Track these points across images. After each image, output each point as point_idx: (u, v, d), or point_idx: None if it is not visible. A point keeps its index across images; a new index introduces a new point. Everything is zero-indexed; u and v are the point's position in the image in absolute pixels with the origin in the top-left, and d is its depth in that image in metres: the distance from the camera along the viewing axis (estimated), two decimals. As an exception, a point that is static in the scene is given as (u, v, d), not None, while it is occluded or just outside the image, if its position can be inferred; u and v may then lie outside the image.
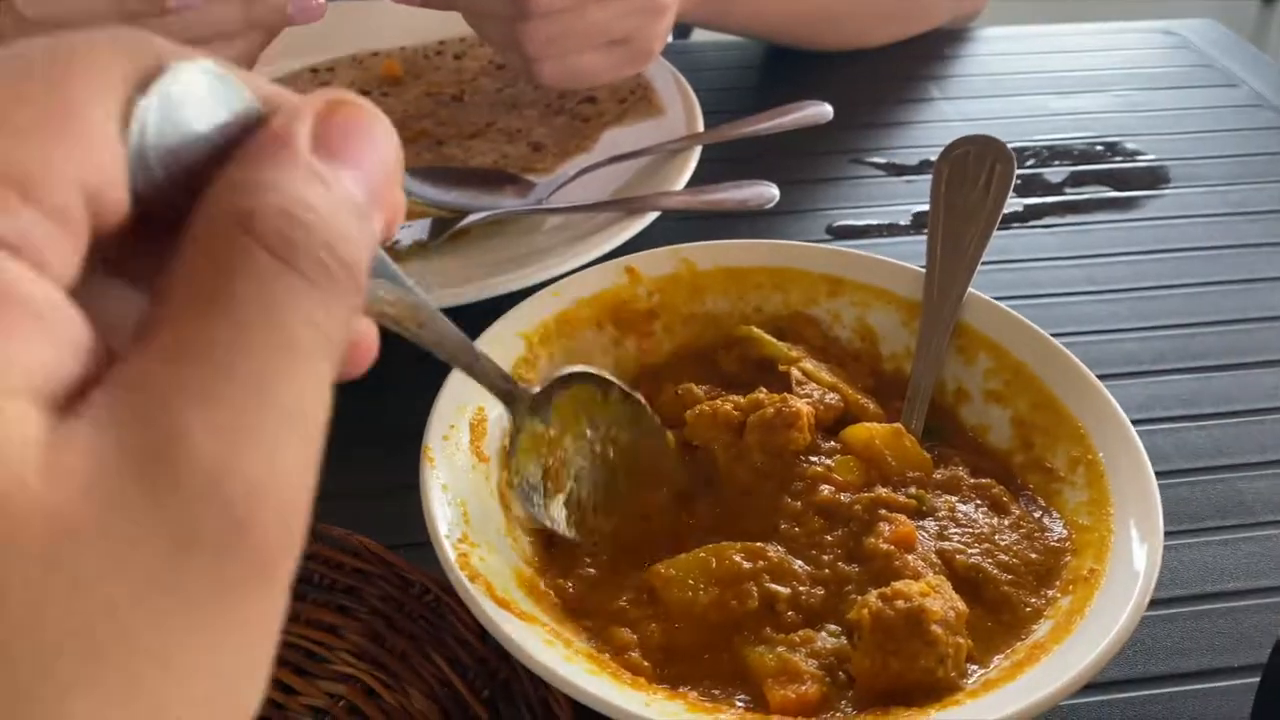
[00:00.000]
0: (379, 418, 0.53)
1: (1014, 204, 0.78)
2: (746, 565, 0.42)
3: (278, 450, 0.18)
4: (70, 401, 0.17)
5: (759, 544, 0.44)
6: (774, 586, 0.42)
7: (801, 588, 0.42)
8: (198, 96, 0.20)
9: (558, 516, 0.44)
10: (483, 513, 0.44)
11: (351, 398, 0.60)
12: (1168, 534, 0.51)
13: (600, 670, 0.38)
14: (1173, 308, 0.69)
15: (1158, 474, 0.50)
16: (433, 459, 0.43)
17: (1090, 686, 0.45)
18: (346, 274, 0.20)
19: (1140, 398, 0.61)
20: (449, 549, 0.40)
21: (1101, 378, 0.50)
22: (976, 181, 0.56)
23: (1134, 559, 0.41)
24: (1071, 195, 0.79)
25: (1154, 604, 0.48)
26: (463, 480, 0.44)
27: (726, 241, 0.57)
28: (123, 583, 0.17)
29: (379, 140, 0.21)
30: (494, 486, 0.46)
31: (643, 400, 0.46)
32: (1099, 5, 1.16)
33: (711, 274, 0.56)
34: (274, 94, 0.21)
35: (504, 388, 0.39)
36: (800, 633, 0.41)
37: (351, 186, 0.20)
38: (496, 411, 0.49)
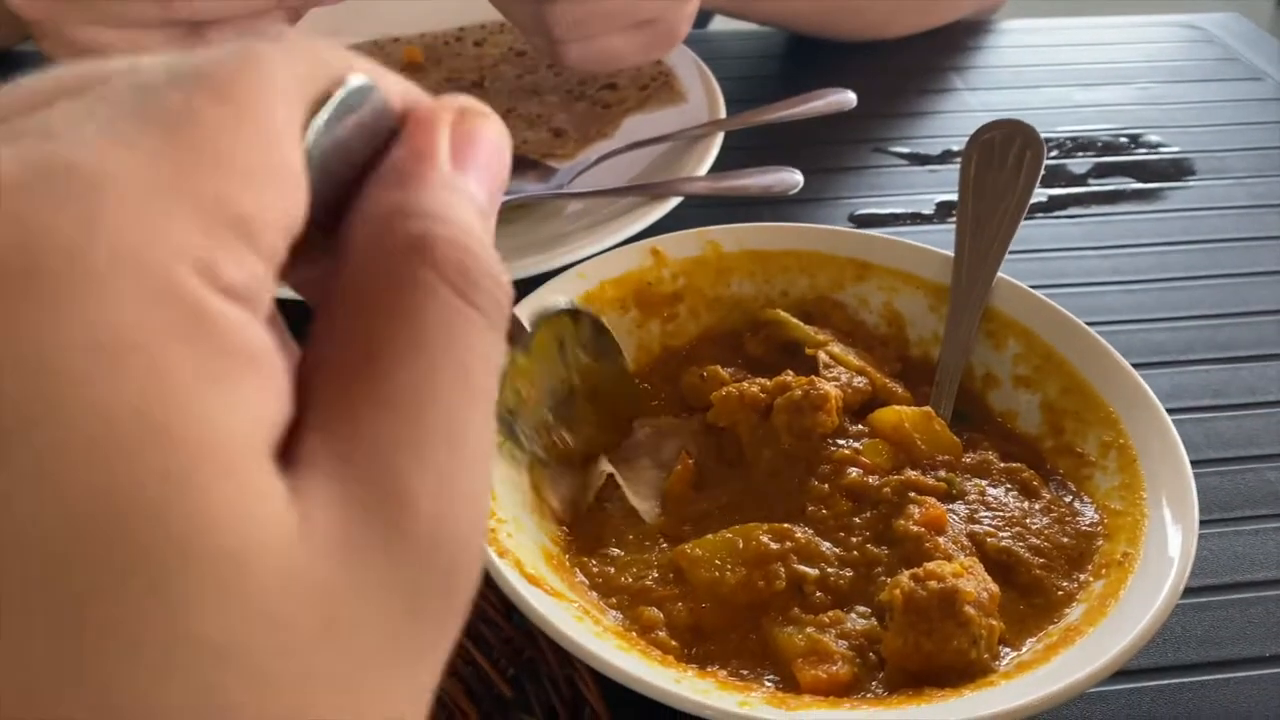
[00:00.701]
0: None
1: (1038, 194, 0.77)
2: (774, 546, 0.42)
3: (475, 500, 0.18)
4: (285, 448, 0.17)
5: (786, 525, 0.43)
6: (801, 568, 0.42)
7: (830, 569, 0.42)
8: (354, 110, 0.19)
9: (529, 435, 0.45)
10: (510, 490, 0.43)
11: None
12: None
13: (630, 648, 0.37)
14: (1200, 298, 0.68)
15: (1204, 464, 0.50)
16: (459, 436, 0.43)
17: (1121, 674, 0.45)
18: (507, 301, 0.20)
19: (1168, 387, 0.60)
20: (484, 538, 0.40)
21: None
22: (1005, 166, 0.55)
23: (1168, 544, 0.41)
24: (1096, 186, 0.79)
25: (1185, 592, 0.48)
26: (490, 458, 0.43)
27: (753, 224, 0.56)
28: (370, 642, 0.17)
29: (501, 150, 0.21)
30: (520, 465, 0.45)
31: (608, 328, 0.50)
32: (1118, 1, 1.16)
33: (737, 257, 0.55)
34: (403, 93, 0.21)
35: None
36: (829, 614, 0.40)
37: (484, 202, 0.20)
38: (524, 390, 0.48)
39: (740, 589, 0.41)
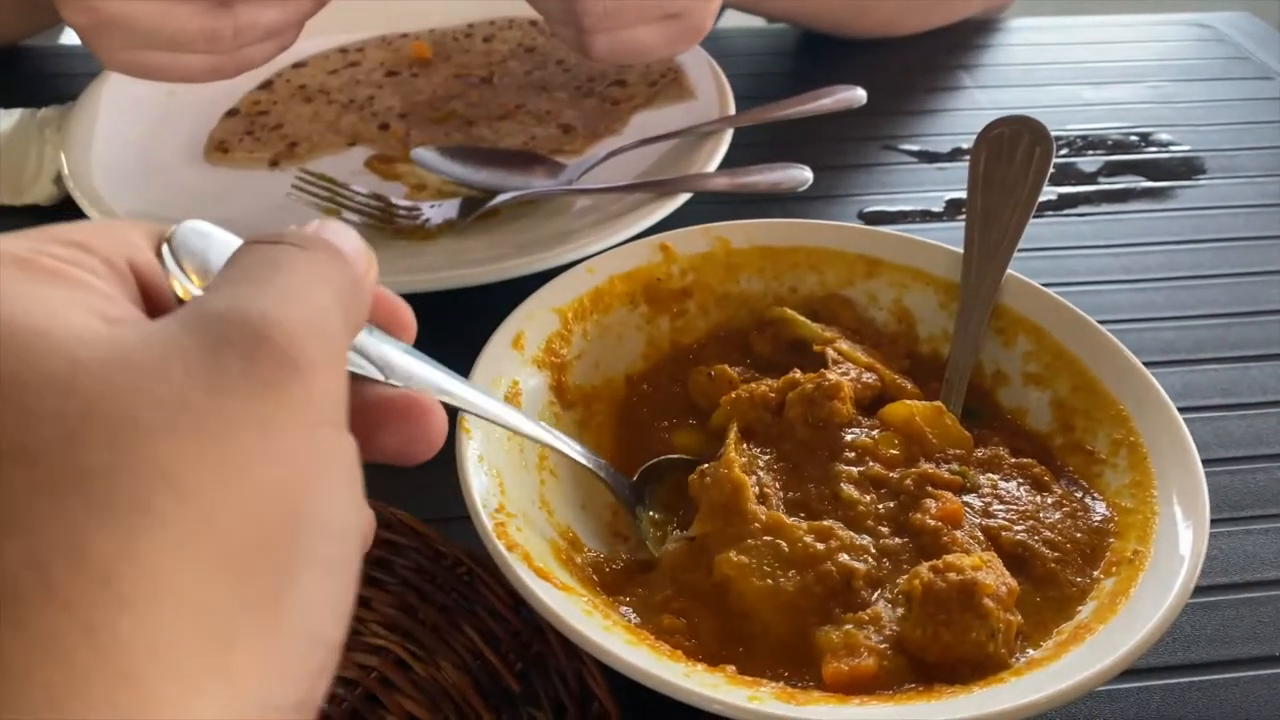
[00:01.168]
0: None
1: (1048, 192, 0.77)
2: (820, 546, 0.42)
3: (310, 316, 0.25)
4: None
5: (824, 523, 0.43)
6: (851, 563, 0.41)
7: (871, 562, 0.41)
8: (201, 236, 0.28)
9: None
10: (518, 484, 0.43)
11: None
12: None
13: (639, 642, 0.37)
14: (1209, 297, 0.68)
15: (1213, 464, 0.50)
16: (469, 430, 0.43)
17: (1130, 672, 0.44)
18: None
19: (1178, 386, 0.60)
20: (486, 518, 0.40)
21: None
22: (1014, 162, 0.55)
23: (1179, 542, 0.41)
24: (1106, 185, 0.78)
25: (1195, 591, 0.48)
26: (499, 451, 0.43)
27: (762, 220, 0.56)
28: (177, 378, 0.22)
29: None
30: (529, 460, 0.45)
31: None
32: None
33: (747, 253, 0.55)
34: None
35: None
36: (869, 610, 0.40)
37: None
38: (532, 383, 0.48)
39: (800, 594, 0.40)
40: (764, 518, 0.42)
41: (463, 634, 0.44)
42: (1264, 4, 1.09)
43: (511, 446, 0.44)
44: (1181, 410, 0.57)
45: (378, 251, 0.68)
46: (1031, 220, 0.73)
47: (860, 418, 0.47)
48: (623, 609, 0.41)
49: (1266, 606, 0.49)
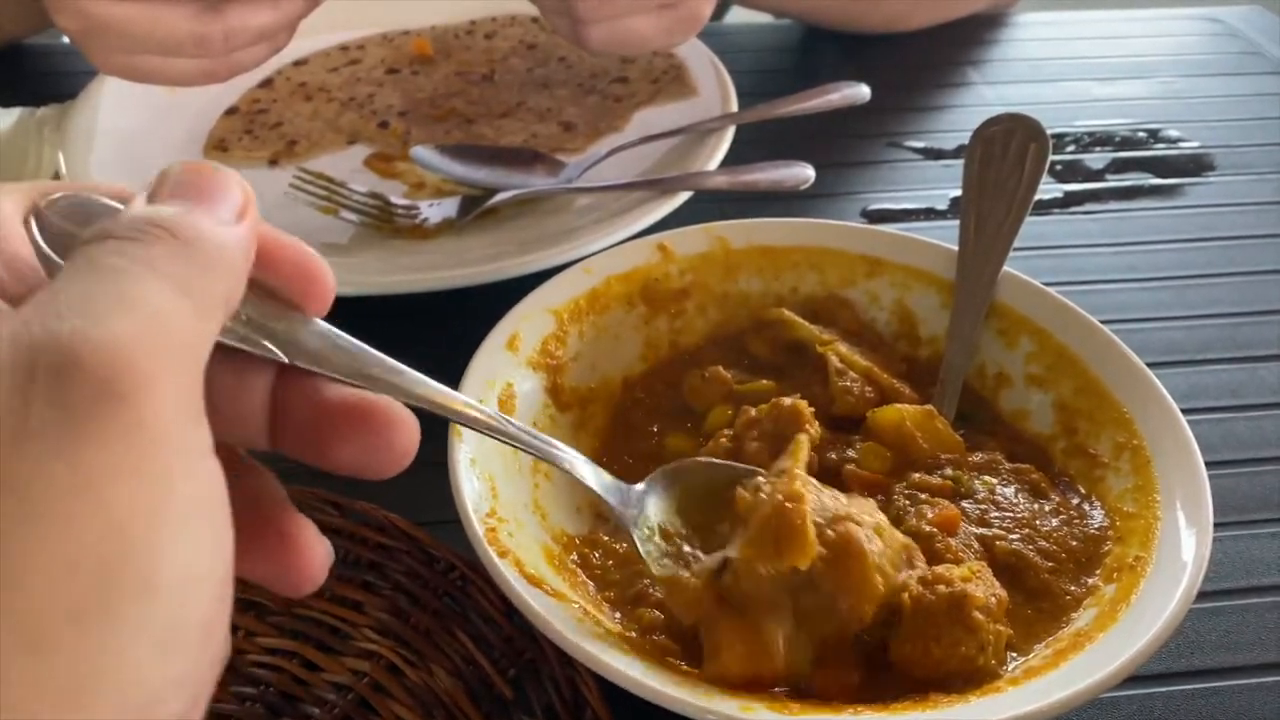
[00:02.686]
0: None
1: (1054, 190, 0.76)
2: None
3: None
4: None
5: None
6: None
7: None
8: (78, 209, 0.26)
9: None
10: (511, 489, 0.43)
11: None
12: (1213, 525, 0.50)
13: (630, 651, 0.37)
14: (1218, 296, 0.67)
15: (1214, 465, 0.49)
16: (460, 434, 0.42)
17: (1134, 679, 0.44)
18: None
19: (1184, 387, 0.59)
20: (477, 524, 0.39)
21: (1148, 366, 0.49)
22: (1010, 160, 0.54)
23: (1182, 548, 0.40)
24: (1113, 182, 0.77)
25: (1199, 596, 0.47)
26: (491, 455, 0.43)
27: (761, 220, 0.56)
28: None
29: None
30: (523, 463, 0.45)
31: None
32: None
33: (746, 252, 0.54)
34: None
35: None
36: None
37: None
38: (526, 386, 0.48)
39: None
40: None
41: (455, 639, 0.43)
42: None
43: (504, 450, 0.44)
44: (1188, 411, 0.56)
45: (376, 251, 0.67)
46: (1038, 218, 0.73)
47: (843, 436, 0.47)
48: (613, 613, 0.40)
49: (1273, 612, 0.48)
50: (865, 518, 0.39)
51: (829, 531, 0.38)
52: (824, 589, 0.37)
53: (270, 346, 0.27)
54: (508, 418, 0.34)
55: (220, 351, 0.25)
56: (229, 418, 0.27)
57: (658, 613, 0.40)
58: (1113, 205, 0.75)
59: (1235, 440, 0.57)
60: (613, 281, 0.52)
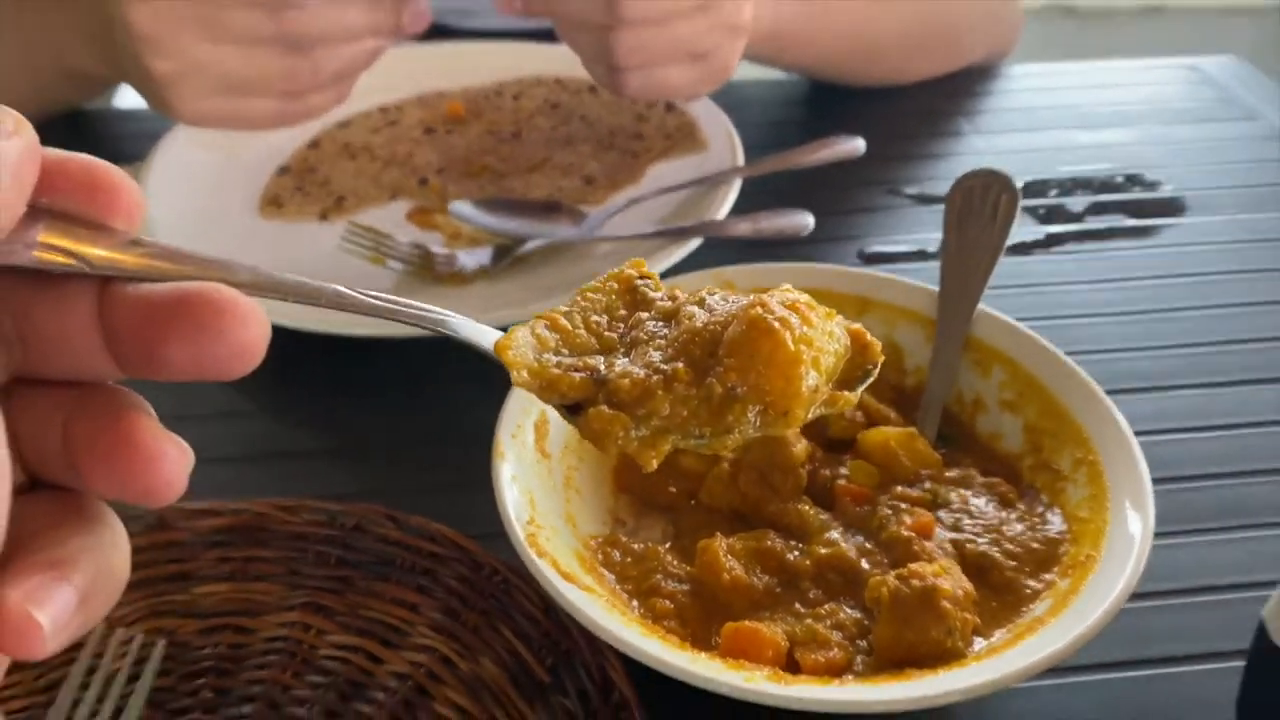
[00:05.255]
0: (456, 424, 0.60)
1: (1037, 232, 0.83)
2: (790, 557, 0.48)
3: None
4: None
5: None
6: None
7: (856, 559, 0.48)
8: None
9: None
10: (547, 501, 0.50)
11: (432, 408, 0.68)
12: (1169, 533, 0.56)
13: (651, 634, 0.43)
14: (1186, 329, 0.73)
15: (1166, 479, 0.56)
16: (503, 453, 0.49)
17: (1091, 666, 0.50)
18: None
19: (1151, 411, 0.66)
20: (519, 530, 0.46)
21: (1116, 392, 0.55)
22: (985, 209, 0.61)
23: (1127, 546, 0.46)
24: (1092, 223, 0.84)
25: (1151, 595, 0.54)
26: (529, 472, 0.50)
27: (762, 265, 0.62)
28: None
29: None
30: (557, 480, 0.51)
31: None
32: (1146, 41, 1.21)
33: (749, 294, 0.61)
34: None
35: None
36: (826, 606, 0.46)
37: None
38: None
39: (765, 594, 0.47)
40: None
41: (500, 634, 0.50)
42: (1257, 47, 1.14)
43: (541, 468, 0.51)
44: (1155, 432, 0.63)
45: (420, 296, 0.75)
46: (1022, 258, 0.80)
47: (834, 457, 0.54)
48: (633, 603, 0.47)
49: (1218, 609, 0.54)
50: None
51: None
52: (737, 391, 0.31)
53: (71, 262, 0.25)
54: (356, 290, 0.31)
55: (31, 280, 0.26)
56: (58, 345, 0.27)
57: (668, 603, 0.47)
58: (1090, 245, 0.82)
59: (1197, 458, 0.63)
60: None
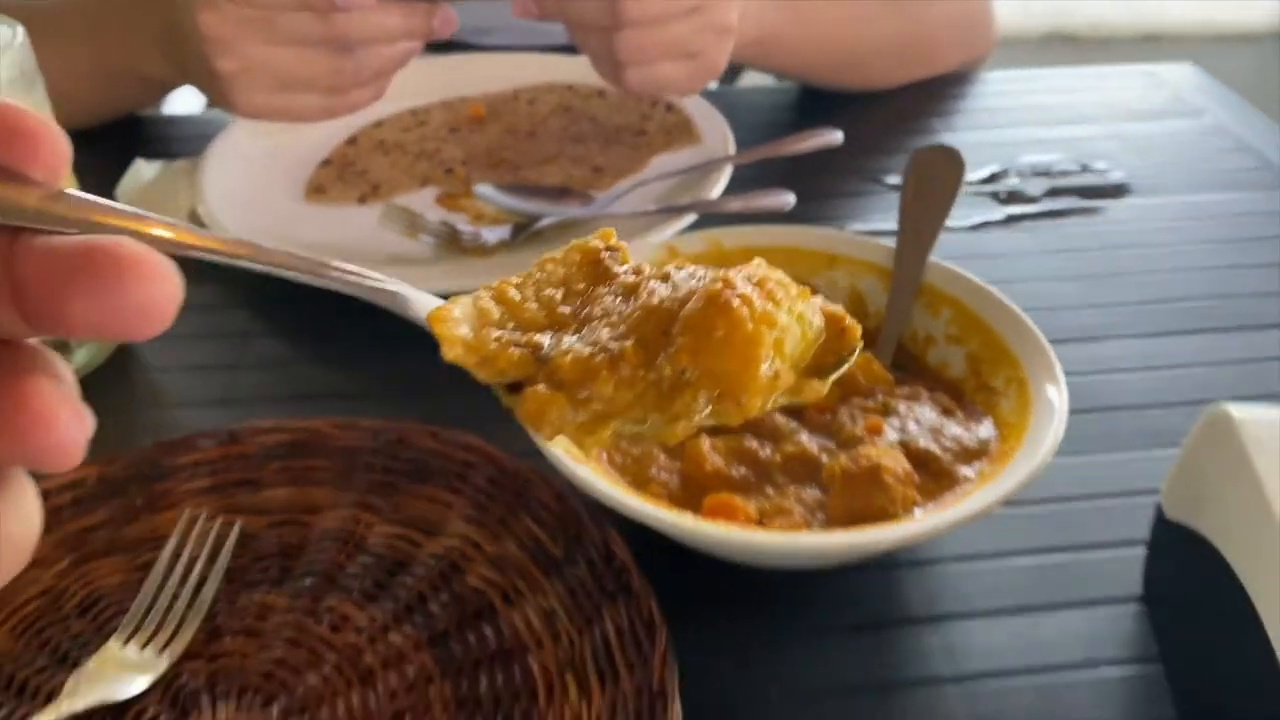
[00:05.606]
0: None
1: (998, 213, 0.93)
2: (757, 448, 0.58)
3: None
4: None
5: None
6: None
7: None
8: None
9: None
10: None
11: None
12: (1091, 451, 0.66)
13: (645, 498, 0.53)
14: (1124, 290, 0.83)
15: (1094, 409, 0.65)
16: (523, 370, 0.59)
17: (1020, 550, 0.60)
18: None
19: (1087, 356, 0.75)
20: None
21: (1058, 341, 0.63)
22: (937, 179, 0.71)
23: (1047, 424, 0.55)
24: (1047, 205, 0.94)
25: (1074, 498, 0.63)
26: (545, 386, 0.59)
27: (746, 227, 0.72)
28: None
29: None
30: (568, 394, 0.61)
31: None
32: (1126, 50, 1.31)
33: (735, 252, 0.71)
34: None
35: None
36: (791, 489, 0.55)
37: None
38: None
39: (740, 483, 0.57)
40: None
41: (521, 522, 0.60)
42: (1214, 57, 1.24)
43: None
44: (1089, 373, 0.73)
45: (449, 265, 0.85)
46: (982, 235, 0.89)
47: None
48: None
49: (1136, 510, 0.63)
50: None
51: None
52: (687, 375, 0.30)
53: None
54: (291, 251, 0.30)
55: None
56: None
57: (660, 489, 0.56)
58: (1044, 223, 0.91)
59: (1122, 392, 0.72)
60: (633, 273, 0.69)
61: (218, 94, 0.85)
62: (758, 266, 0.32)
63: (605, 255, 0.34)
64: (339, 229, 0.88)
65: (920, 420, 0.60)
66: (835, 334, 0.32)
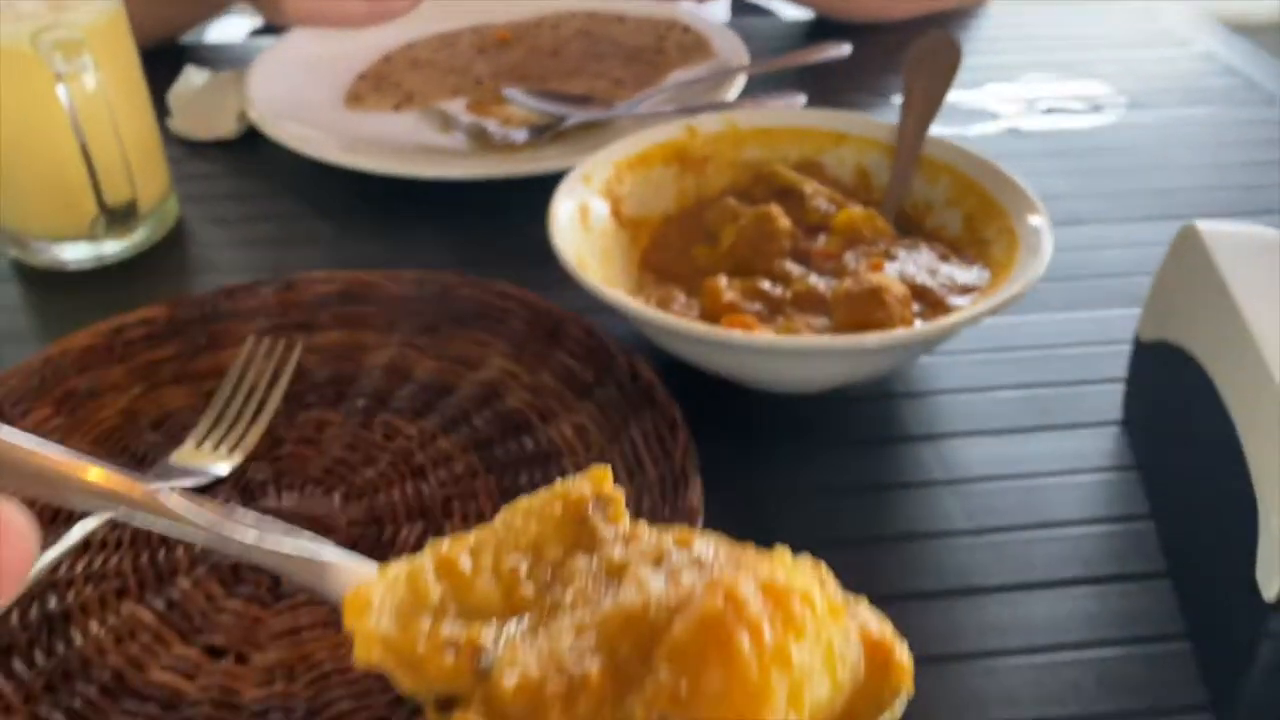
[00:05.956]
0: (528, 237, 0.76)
1: (1000, 126, 0.98)
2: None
3: None
4: None
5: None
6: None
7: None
8: None
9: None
10: (590, 261, 0.65)
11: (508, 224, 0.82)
12: (1071, 308, 0.71)
13: (660, 312, 0.59)
14: (1114, 183, 0.88)
15: (1085, 277, 0.71)
16: (557, 220, 0.65)
17: (1004, 385, 0.65)
18: None
19: (1080, 236, 0.81)
20: (572, 259, 0.61)
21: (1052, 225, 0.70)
22: (936, 63, 0.77)
23: (1035, 249, 0.60)
24: (1045, 120, 0.99)
25: (1058, 345, 0.68)
26: (578, 239, 0.65)
27: (762, 109, 0.78)
28: None
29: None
30: (595, 249, 0.67)
31: None
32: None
33: (750, 132, 0.77)
34: None
35: None
36: (800, 318, 0.61)
37: None
38: (596, 205, 0.70)
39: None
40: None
41: (555, 356, 0.65)
42: None
43: (585, 239, 0.66)
44: (1079, 248, 0.78)
45: (480, 160, 0.91)
46: (981, 141, 0.95)
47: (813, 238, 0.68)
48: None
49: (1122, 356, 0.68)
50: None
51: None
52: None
53: None
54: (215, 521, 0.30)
55: None
56: None
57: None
58: (1042, 133, 0.97)
59: (1094, 249, 0.78)
60: (655, 148, 0.75)
61: (268, 2, 0.91)
62: (778, 567, 0.23)
63: (592, 510, 0.27)
64: (376, 128, 0.94)
65: (918, 262, 0.65)
66: (877, 670, 0.24)
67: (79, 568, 0.53)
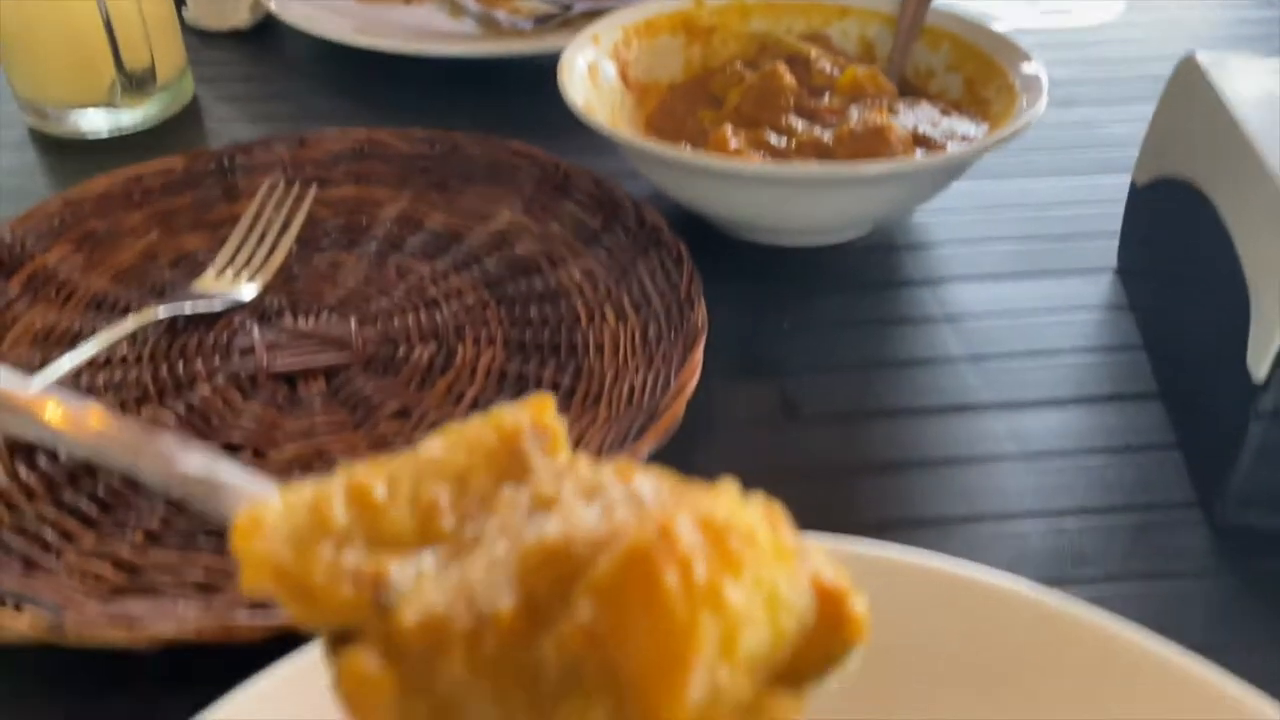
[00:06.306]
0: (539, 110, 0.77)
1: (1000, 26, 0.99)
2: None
3: None
4: None
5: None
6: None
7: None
8: None
9: None
10: (599, 106, 0.66)
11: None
12: (1062, 174, 0.73)
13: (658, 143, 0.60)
14: (1111, 70, 0.90)
15: (1078, 147, 0.72)
16: (569, 75, 0.66)
17: (998, 275, 0.67)
18: None
19: (1071, 115, 0.82)
20: (580, 102, 0.63)
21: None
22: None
23: (1034, 98, 0.62)
24: (1043, 13, 1.01)
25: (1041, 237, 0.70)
26: (587, 97, 0.67)
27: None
28: None
29: None
30: (603, 116, 0.68)
31: None
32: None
33: (757, 5, 0.78)
34: None
35: None
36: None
37: None
38: (606, 67, 0.71)
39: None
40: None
41: (563, 207, 0.67)
42: None
43: (591, 99, 0.67)
44: (1071, 126, 0.79)
45: (490, 43, 0.92)
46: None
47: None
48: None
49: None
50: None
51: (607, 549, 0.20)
52: (580, 671, 0.19)
53: None
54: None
55: None
56: None
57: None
58: (1039, 23, 0.98)
59: (1102, 140, 0.79)
60: (663, 16, 0.76)
61: None
62: (722, 503, 0.20)
63: (528, 441, 0.24)
64: (384, 18, 0.95)
65: (920, 116, 0.67)
66: (829, 622, 0.21)
67: (100, 379, 0.55)
